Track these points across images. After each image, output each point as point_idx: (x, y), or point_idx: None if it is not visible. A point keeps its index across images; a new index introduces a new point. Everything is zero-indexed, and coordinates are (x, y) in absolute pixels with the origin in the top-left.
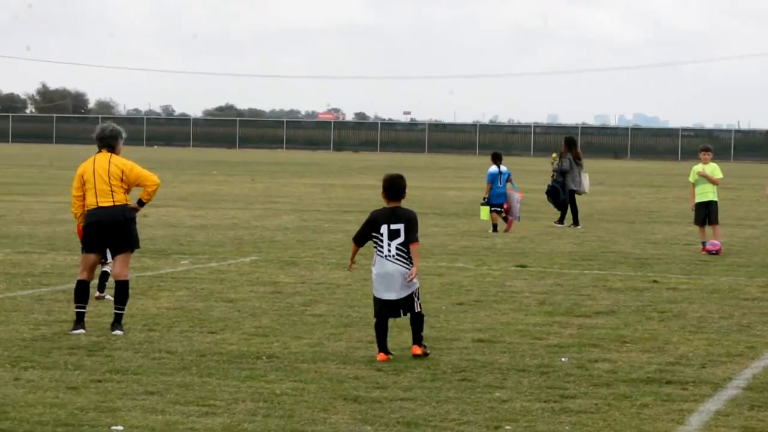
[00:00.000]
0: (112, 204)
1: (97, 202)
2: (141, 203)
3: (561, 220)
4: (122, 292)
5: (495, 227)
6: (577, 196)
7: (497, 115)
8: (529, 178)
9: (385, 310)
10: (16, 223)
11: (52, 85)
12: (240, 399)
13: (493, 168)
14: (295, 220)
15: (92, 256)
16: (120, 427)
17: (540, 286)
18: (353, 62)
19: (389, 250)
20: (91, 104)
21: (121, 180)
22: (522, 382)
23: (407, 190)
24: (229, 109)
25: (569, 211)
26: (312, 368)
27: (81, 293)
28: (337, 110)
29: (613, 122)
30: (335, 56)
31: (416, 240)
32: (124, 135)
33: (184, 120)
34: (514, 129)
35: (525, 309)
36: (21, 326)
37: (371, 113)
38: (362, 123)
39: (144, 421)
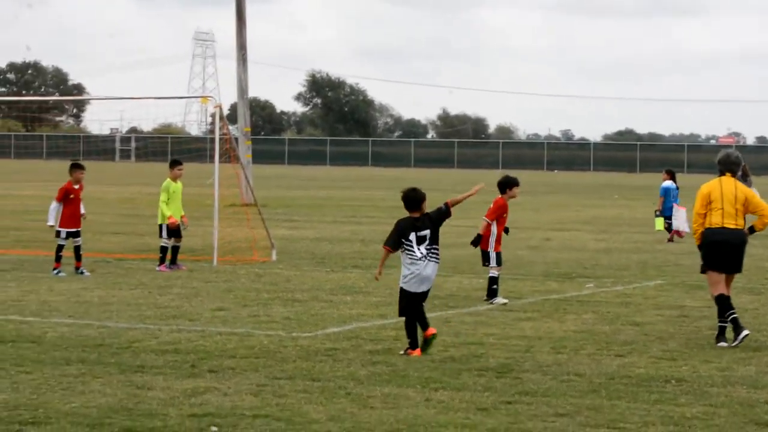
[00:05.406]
0: (734, 226)
1: (722, 222)
2: (752, 230)
3: None
4: None
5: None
6: None
7: None
8: None
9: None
10: None
11: (453, 111)
12: (650, 422)
13: (668, 183)
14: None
15: (715, 274)
16: None
17: None
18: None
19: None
20: (491, 129)
21: (743, 206)
22: None
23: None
24: (628, 133)
25: None
26: (722, 392)
27: (722, 304)
28: (737, 134)
29: None
30: (737, 80)
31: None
32: (742, 162)
33: (584, 144)
34: None
35: None
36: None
37: None
38: (763, 147)
39: None
